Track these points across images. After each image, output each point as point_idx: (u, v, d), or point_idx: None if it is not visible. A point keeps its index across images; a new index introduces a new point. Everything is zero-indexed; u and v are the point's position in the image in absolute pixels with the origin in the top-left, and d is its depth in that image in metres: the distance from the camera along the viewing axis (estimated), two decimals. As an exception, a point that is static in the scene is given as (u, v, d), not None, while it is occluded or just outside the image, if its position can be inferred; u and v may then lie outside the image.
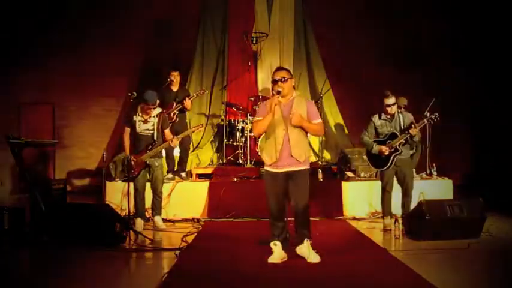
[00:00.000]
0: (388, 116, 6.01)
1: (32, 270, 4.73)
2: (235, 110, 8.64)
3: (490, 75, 9.52)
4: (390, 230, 5.87)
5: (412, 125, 5.90)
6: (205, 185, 7.24)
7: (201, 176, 8.06)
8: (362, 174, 7.44)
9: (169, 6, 9.77)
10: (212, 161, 8.83)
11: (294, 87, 4.81)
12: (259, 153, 7.94)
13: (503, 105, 9.34)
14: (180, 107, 7.38)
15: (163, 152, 7.06)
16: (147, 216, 6.52)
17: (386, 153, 5.91)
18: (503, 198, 7.51)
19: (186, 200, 7.10)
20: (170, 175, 7.44)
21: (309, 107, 4.74)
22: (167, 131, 6.34)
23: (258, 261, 4.56)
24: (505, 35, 9.19)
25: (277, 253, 4.58)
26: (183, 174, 7.57)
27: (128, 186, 5.78)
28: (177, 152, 7.62)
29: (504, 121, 9.28)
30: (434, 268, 4.40)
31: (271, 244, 4.63)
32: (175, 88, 7.50)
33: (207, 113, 9.13)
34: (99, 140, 9.96)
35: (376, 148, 5.95)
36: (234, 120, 8.40)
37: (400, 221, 5.84)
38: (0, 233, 5.83)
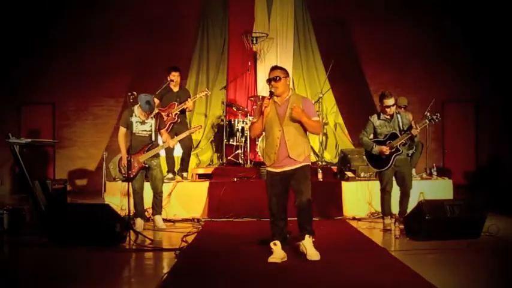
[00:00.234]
0: (387, 116, 6.00)
1: (32, 270, 4.73)
2: (235, 110, 8.64)
3: (493, 74, 9.53)
4: (390, 230, 5.86)
5: (413, 125, 5.90)
6: (205, 185, 7.24)
7: (201, 176, 8.07)
8: (362, 174, 7.44)
9: (169, 7, 9.79)
10: (212, 161, 8.84)
11: (290, 85, 4.76)
12: (259, 153, 7.96)
13: (504, 105, 9.36)
14: (182, 107, 7.38)
15: (163, 152, 7.07)
16: (147, 216, 6.52)
17: (387, 153, 5.90)
18: (503, 198, 7.51)
19: (186, 200, 7.10)
20: (170, 175, 7.44)
21: (306, 105, 4.64)
22: (163, 131, 6.34)
23: (258, 261, 4.56)
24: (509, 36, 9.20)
25: (278, 253, 4.57)
26: (184, 174, 7.57)
27: (128, 186, 5.78)
28: (177, 152, 7.62)
29: (504, 121, 9.30)
30: (434, 268, 4.40)
31: (271, 244, 4.62)
32: (175, 88, 7.50)
33: (207, 113, 9.13)
34: (99, 140, 9.98)
35: (376, 149, 5.94)
36: (234, 120, 8.41)
37: (400, 220, 5.85)
38: (0, 233, 5.84)
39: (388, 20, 9.84)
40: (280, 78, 4.59)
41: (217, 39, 9.39)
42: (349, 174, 7.45)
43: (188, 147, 7.68)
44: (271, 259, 4.53)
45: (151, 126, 6.18)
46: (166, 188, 6.87)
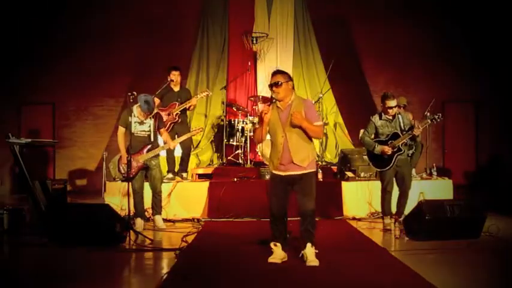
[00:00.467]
0: (389, 117, 6.01)
1: (32, 270, 4.73)
2: (235, 110, 8.64)
3: (493, 74, 9.53)
4: (390, 230, 5.87)
5: (415, 125, 5.91)
6: (205, 185, 7.23)
7: (201, 176, 8.07)
8: (362, 174, 7.44)
9: (169, 7, 9.79)
10: (212, 161, 8.84)
11: (292, 89, 4.63)
12: (259, 154, 7.95)
13: (504, 105, 9.36)
14: (185, 106, 7.39)
15: (164, 152, 7.06)
16: (147, 216, 6.52)
17: (389, 153, 5.91)
18: (503, 198, 7.51)
19: (186, 200, 7.10)
20: (170, 175, 7.44)
21: (308, 109, 4.55)
22: (163, 131, 6.34)
23: (258, 261, 4.56)
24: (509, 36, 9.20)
25: (278, 253, 4.57)
26: (184, 175, 7.57)
27: (128, 186, 5.78)
28: (177, 153, 7.62)
29: (504, 121, 9.30)
30: (434, 268, 4.40)
31: (272, 244, 4.62)
32: (176, 88, 7.50)
33: (207, 113, 9.13)
34: (99, 140, 9.98)
35: (378, 148, 5.95)
36: (234, 120, 8.40)
37: (400, 220, 5.86)
38: (0, 233, 5.84)
39: (388, 19, 9.84)
40: (281, 84, 4.50)
41: (217, 39, 9.39)
42: (349, 174, 7.45)
43: (188, 147, 7.68)
44: (271, 259, 4.53)
45: (150, 126, 6.17)
46: (166, 188, 6.87)
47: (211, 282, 4.06)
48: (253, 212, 6.80)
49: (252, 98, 8.73)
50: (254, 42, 9.08)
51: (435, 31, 9.81)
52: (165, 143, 6.37)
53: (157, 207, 6.37)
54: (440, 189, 7.31)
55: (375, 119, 6.08)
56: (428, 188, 7.08)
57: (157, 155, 6.32)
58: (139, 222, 6.19)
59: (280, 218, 4.63)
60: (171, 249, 5.08)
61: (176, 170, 7.57)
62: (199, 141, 8.90)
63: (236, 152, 8.40)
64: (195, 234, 5.93)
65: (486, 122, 9.80)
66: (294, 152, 4.48)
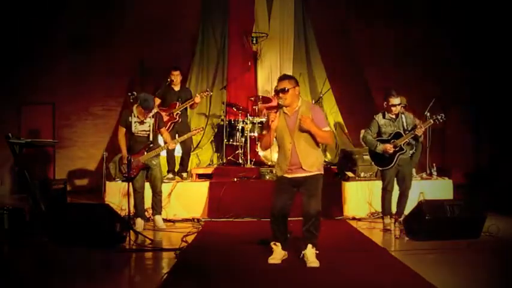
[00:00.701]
0: (392, 116, 6.01)
1: (32, 270, 4.73)
2: (235, 110, 8.64)
3: (492, 74, 9.52)
4: (390, 230, 5.87)
5: (418, 125, 5.92)
6: (205, 185, 7.24)
7: (201, 176, 8.06)
8: (362, 174, 7.44)
9: (169, 6, 9.78)
10: (212, 161, 8.84)
11: (299, 95, 4.57)
12: (260, 154, 7.95)
13: (503, 105, 9.35)
14: (187, 105, 7.40)
15: (164, 152, 7.06)
16: (147, 216, 6.52)
17: (391, 152, 5.92)
18: (503, 198, 7.51)
19: (186, 200, 7.10)
20: (170, 175, 7.44)
21: (315, 115, 4.51)
22: (163, 130, 6.34)
23: (258, 261, 4.56)
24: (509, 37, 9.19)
25: (278, 253, 4.56)
26: (184, 175, 7.57)
27: (128, 186, 5.78)
28: (177, 153, 7.62)
29: (504, 121, 9.29)
30: (434, 268, 4.40)
31: (272, 244, 4.61)
32: (177, 88, 7.51)
33: (207, 113, 9.14)
34: (99, 140, 9.97)
35: (380, 147, 5.96)
36: (234, 120, 8.40)
37: (400, 220, 5.86)
38: (0, 233, 5.83)
39: (388, 19, 9.83)
40: (288, 90, 4.44)
41: (218, 39, 9.38)
42: (349, 174, 7.45)
43: (188, 147, 7.69)
44: (271, 259, 4.52)
45: (150, 126, 6.17)
46: (166, 188, 6.87)
47: (211, 282, 4.06)
48: (253, 212, 6.80)
49: (252, 98, 8.73)
50: (254, 42, 9.08)
51: (436, 31, 9.80)
52: (165, 142, 6.37)
53: (157, 207, 6.37)
54: (440, 189, 7.31)
55: (378, 117, 6.08)
56: (428, 188, 7.08)
57: (158, 155, 6.33)
58: (139, 222, 6.20)
59: (282, 220, 4.59)
60: (171, 249, 5.08)
61: (176, 169, 7.57)
62: (200, 141, 8.90)
63: (236, 152, 8.40)
64: (195, 234, 5.93)
65: (486, 122, 9.79)
66: (302, 157, 4.45)
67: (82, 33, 9.73)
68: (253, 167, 7.98)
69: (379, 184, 6.36)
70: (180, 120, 7.40)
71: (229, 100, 8.84)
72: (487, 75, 9.58)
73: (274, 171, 4.89)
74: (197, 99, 7.42)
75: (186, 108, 7.51)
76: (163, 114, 6.82)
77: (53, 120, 10.10)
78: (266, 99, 8.79)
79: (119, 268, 4.65)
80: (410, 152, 6.28)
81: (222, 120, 8.79)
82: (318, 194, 4.50)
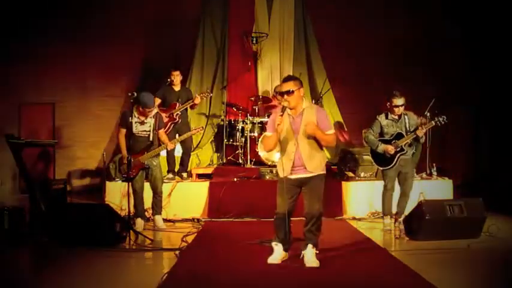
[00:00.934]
0: (395, 116, 6.02)
1: (32, 270, 4.73)
2: (235, 110, 8.63)
3: (493, 74, 9.52)
4: (390, 230, 5.87)
5: (419, 126, 5.93)
6: (205, 185, 7.24)
7: (201, 176, 8.06)
8: (362, 174, 7.44)
9: (169, 6, 9.78)
10: (212, 161, 8.84)
11: (303, 96, 4.53)
12: (260, 153, 7.95)
13: (503, 105, 9.35)
14: (188, 105, 7.40)
15: (164, 152, 7.06)
16: (147, 216, 6.51)
17: (392, 152, 5.92)
18: (503, 198, 7.51)
19: (186, 200, 7.10)
20: (170, 175, 7.44)
21: (320, 117, 4.47)
22: (161, 132, 6.32)
23: (258, 261, 4.56)
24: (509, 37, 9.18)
25: (278, 253, 4.56)
26: (184, 175, 7.57)
27: (128, 186, 5.78)
28: (177, 153, 7.62)
29: (504, 121, 9.28)
30: (434, 268, 4.40)
31: (273, 244, 4.61)
32: (177, 88, 7.51)
33: (207, 113, 9.13)
34: (99, 140, 9.97)
35: (381, 147, 5.97)
36: (234, 120, 8.40)
37: (400, 220, 5.86)
38: (0, 233, 5.83)
39: (388, 19, 9.83)
40: (293, 91, 4.39)
41: (218, 39, 9.37)
42: (349, 174, 7.46)
43: (188, 147, 7.69)
44: (271, 259, 4.52)
45: (150, 126, 6.16)
46: (166, 188, 6.87)
47: (211, 282, 4.06)
48: (253, 212, 6.80)
49: (252, 98, 8.73)
50: (254, 42, 9.07)
51: (436, 31, 9.79)
52: (163, 143, 6.36)
53: (157, 207, 6.37)
54: (440, 189, 7.32)
55: (381, 118, 6.09)
56: (428, 188, 7.07)
57: (158, 155, 6.33)
58: (139, 222, 6.19)
59: (284, 220, 4.54)
60: (171, 249, 5.08)
61: (176, 169, 7.57)
62: (200, 141, 8.90)
63: (236, 152, 8.40)
64: (195, 234, 5.93)
65: (486, 122, 9.79)
66: (306, 159, 4.43)
67: (82, 33, 9.73)
68: (253, 167, 7.98)
69: (379, 184, 6.36)
70: (179, 121, 7.40)
71: (229, 100, 8.83)
72: (487, 75, 9.58)
73: (274, 172, 4.89)
74: (197, 100, 7.44)
75: (186, 109, 7.52)
76: (163, 115, 6.81)
77: (53, 120, 10.10)
78: (266, 99, 8.79)
79: (119, 268, 4.65)
80: (412, 152, 6.28)
81: (222, 120, 8.79)
82: (321, 195, 4.49)
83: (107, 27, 9.80)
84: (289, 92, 4.41)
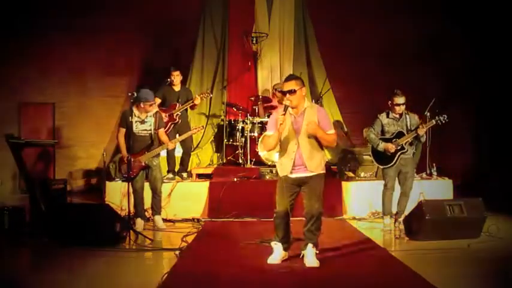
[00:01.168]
0: (396, 115, 6.03)
1: (32, 270, 4.73)
2: (235, 110, 8.63)
3: (493, 74, 9.51)
4: (390, 230, 5.87)
5: (420, 125, 5.94)
6: (205, 185, 7.24)
7: (201, 176, 8.06)
8: (362, 174, 7.44)
9: (169, 6, 9.77)
10: (212, 161, 8.84)
11: (305, 95, 4.55)
12: (260, 154, 7.95)
13: (503, 105, 9.35)
14: (188, 106, 7.40)
15: (164, 152, 7.06)
16: (147, 216, 6.51)
17: (392, 151, 5.93)
18: (503, 198, 7.51)
19: (186, 200, 7.10)
20: (170, 175, 7.44)
21: (321, 117, 4.48)
22: (161, 132, 6.31)
23: (258, 261, 4.56)
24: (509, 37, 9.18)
25: (278, 253, 4.56)
26: (184, 175, 7.57)
27: (128, 186, 5.78)
28: (177, 153, 7.62)
29: (504, 121, 9.28)
30: (434, 268, 4.40)
31: (272, 244, 4.61)
32: (177, 88, 7.51)
33: (207, 113, 9.13)
34: (100, 140, 9.96)
35: (382, 146, 5.97)
36: (234, 120, 8.40)
37: (400, 220, 5.86)
38: (0, 233, 5.84)
39: (389, 18, 9.83)
40: (295, 91, 4.41)
41: (218, 39, 9.37)
42: (349, 174, 7.45)
43: (189, 147, 7.69)
44: (271, 259, 4.52)
45: (150, 125, 6.16)
46: (166, 188, 6.87)
47: (211, 283, 4.06)
48: (253, 212, 6.80)
49: (252, 98, 8.73)
50: (254, 42, 9.07)
51: (436, 31, 9.79)
52: (164, 143, 6.36)
53: (157, 207, 6.37)
54: (440, 189, 7.32)
55: (382, 117, 6.10)
56: (428, 188, 7.07)
57: (158, 155, 6.32)
58: (139, 222, 6.19)
59: (284, 220, 4.56)
60: (171, 249, 5.08)
61: (176, 169, 7.57)
62: (200, 141, 8.90)
63: (236, 152, 8.40)
64: (195, 234, 5.93)
65: (486, 122, 9.78)
66: (307, 159, 4.43)
67: (82, 33, 9.73)
68: (253, 167, 7.97)
69: (379, 184, 6.36)
70: (179, 121, 7.40)
71: (229, 100, 8.83)
72: (487, 75, 9.58)
73: (274, 172, 4.88)
74: (197, 101, 7.44)
75: (186, 109, 7.52)
76: (163, 115, 6.81)
77: (53, 120, 10.10)
78: (266, 99, 8.79)
79: (119, 268, 4.65)
80: (413, 151, 6.29)
81: (222, 120, 8.79)
82: (321, 194, 4.49)
83: (107, 27, 9.80)
84: (291, 92, 4.42)
